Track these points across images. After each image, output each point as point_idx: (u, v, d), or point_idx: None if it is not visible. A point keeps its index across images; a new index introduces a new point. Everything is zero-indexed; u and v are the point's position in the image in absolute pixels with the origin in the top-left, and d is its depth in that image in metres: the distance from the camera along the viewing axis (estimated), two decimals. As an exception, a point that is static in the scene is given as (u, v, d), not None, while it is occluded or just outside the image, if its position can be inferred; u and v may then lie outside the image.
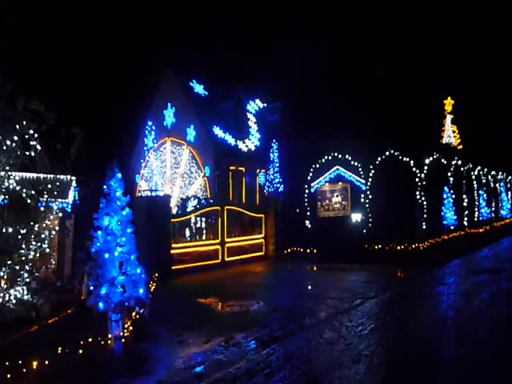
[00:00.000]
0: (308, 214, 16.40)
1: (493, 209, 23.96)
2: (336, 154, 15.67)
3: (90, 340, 5.59)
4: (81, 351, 5.41)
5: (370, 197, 14.91)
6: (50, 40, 23.90)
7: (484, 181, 22.73)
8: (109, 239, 5.66)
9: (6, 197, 7.26)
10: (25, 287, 7.35)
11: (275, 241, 15.45)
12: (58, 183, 8.33)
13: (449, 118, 43.98)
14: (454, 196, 16.95)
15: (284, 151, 16.99)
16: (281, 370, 5.01)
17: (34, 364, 5.03)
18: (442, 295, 9.02)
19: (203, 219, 13.43)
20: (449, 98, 43.86)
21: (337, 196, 15.34)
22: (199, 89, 19.37)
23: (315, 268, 12.96)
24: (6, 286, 7.10)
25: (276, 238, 15.45)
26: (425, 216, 14.72)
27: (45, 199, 7.82)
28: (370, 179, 14.98)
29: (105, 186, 5.82)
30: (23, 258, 7.32)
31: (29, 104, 7.19)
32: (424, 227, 14.66)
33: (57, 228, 9.27)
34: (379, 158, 14.90)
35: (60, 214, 8.59)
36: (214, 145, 17.22)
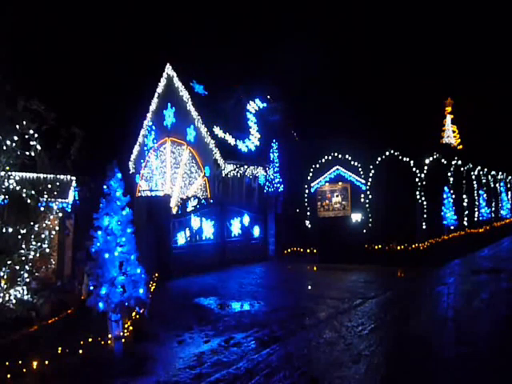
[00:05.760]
0: (308, 214, 16.39)
1: (493, 209, 23.94)
2: (336, 154, 15.66)
3: (90, 340, 5.59)
4: (81, 351, 5.41)
5: (370, 197, 14.90)
6: (51, 40, 23.90)
7: (484, 181, 22.72)
8: (109, 239, 5.65)
9: (6, 197, 7.26)
10: (25, 287, 7.34)
11: (275, 241, 15.44)
12: (58, 183, 8.33)
13: (449, 118, 44.04)
14: (453, 196, 16.93)
15: (284, 151, 16.98)
16: (281, 370, 5.01)
17: (34, 364, 5.03)
18: (442, 295, 9.01)
19: (203, 219, 13.43)
20: (449, 98, 43.92)
21: (337, 196, 15.33)
22: (199, 89, 19.37)
23: (315, 268, 12.96)
24: (6, 286, 7.09)
25: (276, 237, 15.44)
26: (425, 216, 14.71)
27: (45, 199, 7.81)
28: (370, 179, 14.97)
29: (105, 186, 5.81)
30: (23, 258, 7.31)
31: (29, 104, 7.18)
32: (424, 227, 14.65)
33: (57, 228, 9.25)
34: (379, 158, 14.90)
35: (60, 214, 8.57)
36: (214, 145, 17.23)
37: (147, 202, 11.98)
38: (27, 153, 7.42)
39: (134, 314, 6.28)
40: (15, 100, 7.08)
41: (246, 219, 14.94)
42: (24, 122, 7.17)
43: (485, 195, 21.46)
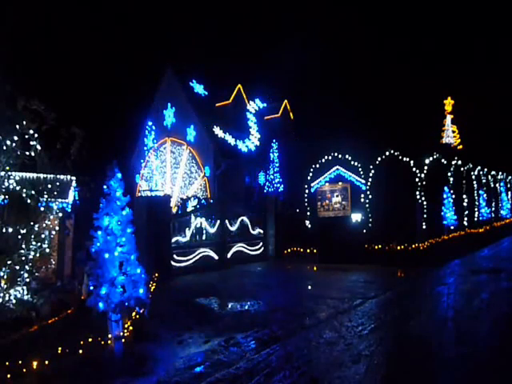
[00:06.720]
0: (308, 213, 16.39)
1: (493, 209, 23.94)
2: (336, 154, 15.66)
3: (90, 340, 5.59)
4: (81, 351, 5.41)
5: (370, 197, 14.90)
6: (51, 40, 23.91)
7: (484, 181, 22.72)
8: (109, 239, 5.65)
9: (6, 197, 7.26)
10: (25, 287, 7.34)
11: (275, 241, 15.44)
12: (58, 183, 8.33)
13: (449, 118, 43.99)
14: (453, 196, 16.94)
15: (284, 151, 17.00)
16: (281, 370, 5.01)
17: (34, 364, 5.03)
18: (442, 295, 9.01)
19: (203, 219, 13.42)
20: (449, 98, 43.89)
21: (337, 196, 15.33)
22: (199, 89, 19.39)
23: (315, 268, 12.95)
24: (6, 286, 7.09)
25: (276, 238, 15.44)
26: (425, 216, 14.71)
27: (45, 199, 7.81)
28: (370, 179, 14.97)
29: (105, 186, 5.81)
30: (23, 258, 7.31)
31: (29, 104, 7.19)
32: (424, 227, 14.65)
33: (57, 228, 9.26)
34: (379, 158, 14.90)
35: (60, 214, 8.57)
36: (214, 145, 17.22)
37: (147, 201, 11.97)
38: (27, 153, 7.42)
39: (134, 314, 6.27)
40: (15, 100, 7.08)
41: (246, 219, 14.93)
42: (24, 122, 7.17)
43: (485, 195, 21.46)
